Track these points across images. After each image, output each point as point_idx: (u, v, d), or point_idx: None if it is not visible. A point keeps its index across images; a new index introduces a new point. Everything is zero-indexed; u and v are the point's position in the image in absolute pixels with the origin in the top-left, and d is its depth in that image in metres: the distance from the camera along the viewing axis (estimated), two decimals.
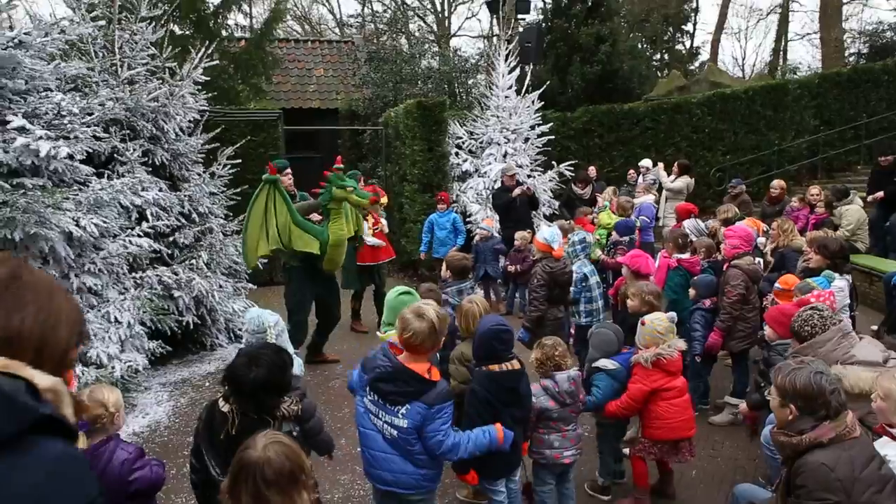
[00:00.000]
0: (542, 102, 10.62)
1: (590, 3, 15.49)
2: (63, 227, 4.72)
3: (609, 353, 3.75)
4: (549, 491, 3.40)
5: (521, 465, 3.29)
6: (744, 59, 38.15)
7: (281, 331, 3.26)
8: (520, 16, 13.01)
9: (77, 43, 6.17)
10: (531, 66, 11.16)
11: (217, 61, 7.66)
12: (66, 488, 0.94)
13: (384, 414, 2.65)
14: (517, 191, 8.15)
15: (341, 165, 5.63)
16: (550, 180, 10.13)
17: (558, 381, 3.29)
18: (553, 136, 10.63)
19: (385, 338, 3.25)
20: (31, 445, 0.91)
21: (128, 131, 6.26)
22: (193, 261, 6.34)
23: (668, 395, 3.58)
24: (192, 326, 6.16)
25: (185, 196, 6.49)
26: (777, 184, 8.56)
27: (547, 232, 5.10)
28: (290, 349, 3.14)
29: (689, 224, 6.34)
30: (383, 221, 7.37)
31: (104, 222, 5.14)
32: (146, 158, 6.32)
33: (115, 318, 5.23)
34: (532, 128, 10.33)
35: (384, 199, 7.75)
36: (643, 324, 3.71)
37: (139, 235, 5.68)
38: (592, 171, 10.30)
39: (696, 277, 5.15)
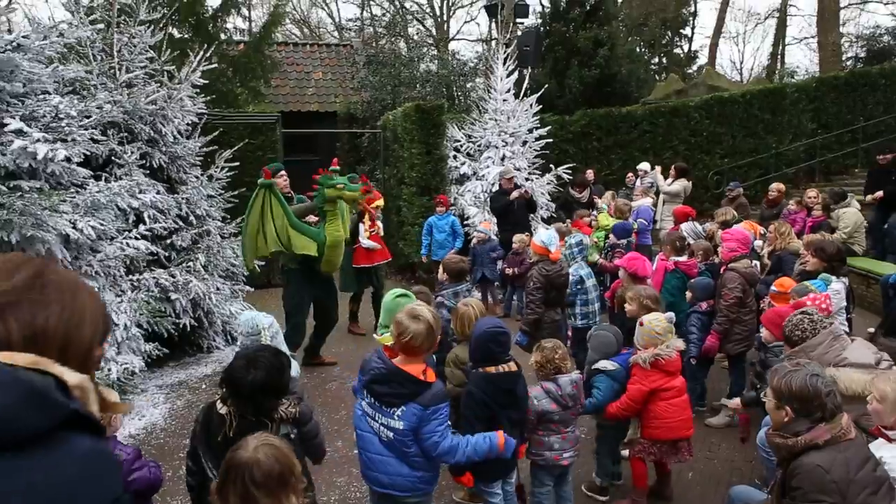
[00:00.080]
0: (541, 106, 10.63)
1: (588, 7, 15.57)
2: (60, 230, 4.70)
3: (608, 355, 3.75)
4: (548, 493, 3.40)
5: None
6: (742, 62, 38.18)
7: (275, 332, 3.26)
8: (518, 20, 13.08)
9: (75, 46, 6.17)
10: (529, 70, 11.20)
11: (216, 64, 7.67)
12: (96, 483, 0.96)
13: (380, 416, 2.64)
14: (515, 194, 8.15)
15: (337, 168, 5.61)
16: (548, 183, 10.15)
17: (561, 384, 3.29)
18: (551, 140, 10.64)
19: (382, 340, 3.26)
20: (62, 441, 0.92)
21: (126, 134, 6.27)
22: (191, 263, 6.34)
23: (666, 394, 3.58)
24: (188, 329, 6.14)
25: (182, 199, 6.50)
26: (775, 187, 8.60)
27: (544, 235, 5.10)
28: (286, 351, 3.13)
29: (686, 227, 6.36)
30: (380, 224, 7.37)
31: (101, 225, 5.13)
32: (144, 161, 6.32)
33: (112, 320, 5.22)
34: (530, 131, 10.35)
35: (380, 202, 7.75)
36: (641, 324, 3.71)
37: (136, 238, 5.67)
38: (590, 174, 10.31)
39: (693, 280, 5.16)
